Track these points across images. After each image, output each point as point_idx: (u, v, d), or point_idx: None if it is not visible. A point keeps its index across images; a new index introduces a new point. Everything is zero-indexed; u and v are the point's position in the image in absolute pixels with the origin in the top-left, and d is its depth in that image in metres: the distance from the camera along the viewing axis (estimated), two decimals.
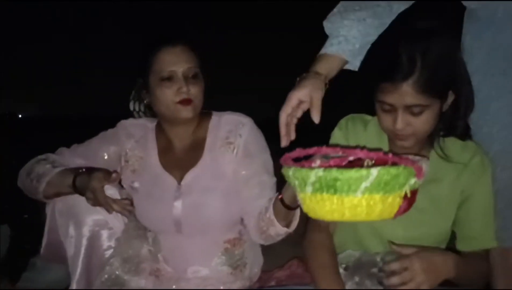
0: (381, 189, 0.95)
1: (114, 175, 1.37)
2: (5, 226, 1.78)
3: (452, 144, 1.32)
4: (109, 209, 1.35)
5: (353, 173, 0.93)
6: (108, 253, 1.44)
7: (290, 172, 1.02)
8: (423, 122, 1.20)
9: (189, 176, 1.46)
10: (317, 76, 1.24)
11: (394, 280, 1.15)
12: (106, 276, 1.42)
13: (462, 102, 1.26)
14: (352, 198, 0.95)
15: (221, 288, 1.46)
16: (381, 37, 1.32)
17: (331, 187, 0.95)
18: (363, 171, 0.93)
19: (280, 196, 1.26)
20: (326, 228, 1.37)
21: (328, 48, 1.29)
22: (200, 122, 1.50)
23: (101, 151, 1.53)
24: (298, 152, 1.09)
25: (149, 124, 1.56)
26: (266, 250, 2.12)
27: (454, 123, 1.28)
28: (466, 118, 1.29)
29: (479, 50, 1.39)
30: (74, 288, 1.43)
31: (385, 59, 1.21)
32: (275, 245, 2.40)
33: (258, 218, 1.37)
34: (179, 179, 1.47)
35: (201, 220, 1.43)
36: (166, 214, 1.44)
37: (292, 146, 1.19)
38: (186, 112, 1.41)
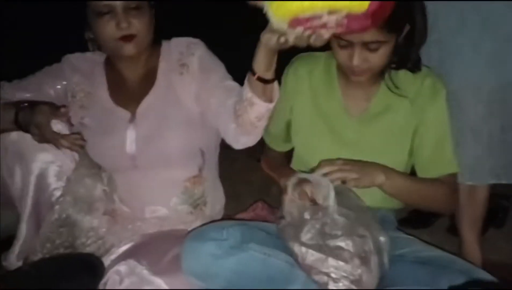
0: None
1: (62, 110, 1.28)
2: None
3: (403, 75, 1.29)
4: (57, 145, 1.27)
5: None
6: (58, 193, 1.36)
7: None
8: (379, 57, 1.18)
9: (142, 106, 1.37)
10: None
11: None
12: (56, 215, 1.34)
13: (416, 33, 1.21)
14: None
15: (181, 227, 1.39)
16: None
17: None
18: None
19: (255, 75, 1.15)
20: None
21: None
22: (152, 51, 1.40)
23: (45, 85, 1.42)
24: None
25: (98, 58, 1.45)
26: (231, 196, 2.09)
27: (406, 55, 1.25)
28: (419, 49, 1.25)
29: None
30: (23, 229, 1.36)
31: None
32: (239, 191, 2.39)
33: (235, 111, 1.25)
34: (133, 111, 1.38)
35: (157, 151, 1.34)
36: (120, 148, 1.35)
37: None
38: (128, 49, 1.30)
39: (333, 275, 1.08)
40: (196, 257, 1.11)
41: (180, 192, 1.40)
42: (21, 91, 1.40)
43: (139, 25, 1.28)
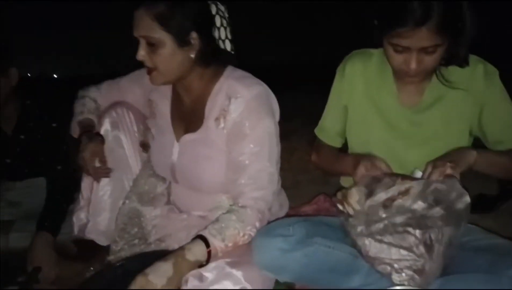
0: None
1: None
2: (41, 178, 1.84)
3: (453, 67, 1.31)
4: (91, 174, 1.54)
5: None
6: None
7: None
8: (434, 59, 1.22)
9: (186, 138, 1.42)
10: None
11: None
12: (127, 208, 1.50)
13: (466, 32, 1.22)
14: None
15: None
16: None
17: None
18: None
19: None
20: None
21: None
22: (208, 83, 1.38)
23: (129, 92, 1.58)
24: None
25: None
26: (291, 185, 2.15)
27: (456, 53, 1.26)
28: (468, 46, 1.26)
29: None
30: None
31: (400, 3, 1.17)
32: (299, 180, 2.46)
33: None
34: (180, 135, 1.43)
35: (194, 182, 1.42)
36: (165, 164, 1.46)
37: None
38: (151, 80, 1.34)
39: (396, 265, 1.13)
40: (266, 251, 1.21)
41: (222, 203, 1.42)
42: (111, 94, 1.61)
43: (157, 60, 1.30)
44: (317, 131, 1.54)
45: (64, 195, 1.75)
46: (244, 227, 1.25)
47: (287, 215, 1.57)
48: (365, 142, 1.41)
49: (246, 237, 1.26)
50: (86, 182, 1.61)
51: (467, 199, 1.17)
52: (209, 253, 1.20)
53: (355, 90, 1.42)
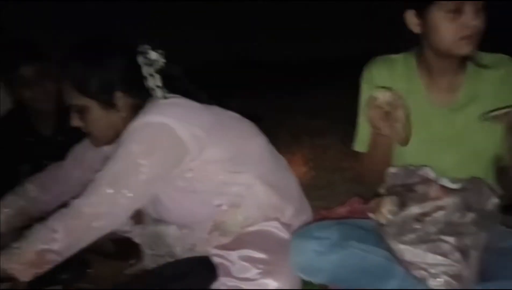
0: None
1: None
2: (26, 165, 1.81)
3: (484, 56, 1.32)
4: None
5: None
6: None
7: None
8: (483, 22, 1.22)
9: None
10: None
11: None
12: (146, 233, 1.47)
13: None
14: None
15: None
16: None
17: None
18: None
19: None
20: None
21: None
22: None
23: (71, 177, 1.54)
24: None
25: None
26: (324, 184, 2.14)
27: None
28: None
29: None
30: None
31: None
32: (332, 179, 2.44)
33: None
34: None
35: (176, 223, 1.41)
36: None
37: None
38: (91, 143, 1.36)
39: (432, 270, 1.13)
40: (301, 254, 1.22)
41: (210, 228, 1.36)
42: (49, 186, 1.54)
43: (88, 125, 1.30)
44: (356, 146, 1.49)
45: None
46: (33, 246, 1.15)
47: (321, 217, 1.57)
48: (399, 148, 1.38)
49: (44, 254, 1.15)
50: None
51: (495, 199, 1.17)
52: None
53: None
